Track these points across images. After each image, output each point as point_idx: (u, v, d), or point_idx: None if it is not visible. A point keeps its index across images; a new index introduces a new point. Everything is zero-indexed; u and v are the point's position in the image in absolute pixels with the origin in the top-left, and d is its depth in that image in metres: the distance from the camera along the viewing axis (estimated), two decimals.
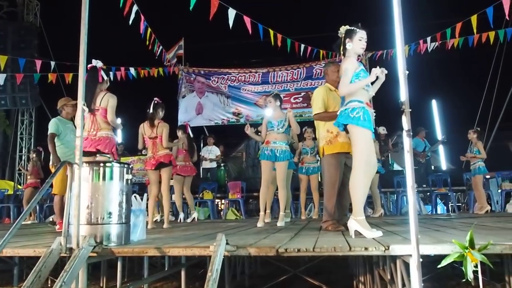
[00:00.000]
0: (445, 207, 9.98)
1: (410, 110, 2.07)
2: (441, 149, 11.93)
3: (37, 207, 8.96)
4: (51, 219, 5.91)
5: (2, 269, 4.50)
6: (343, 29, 3.31)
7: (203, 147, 10.59)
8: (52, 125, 5.41)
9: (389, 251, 2.22)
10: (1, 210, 9.73)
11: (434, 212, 8.73)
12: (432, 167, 10.30)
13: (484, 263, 1.97)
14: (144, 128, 5.56)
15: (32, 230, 5.37)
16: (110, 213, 2.70)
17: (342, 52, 3.32)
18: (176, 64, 12.45)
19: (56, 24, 13.44)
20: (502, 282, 3.69)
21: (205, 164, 10.26)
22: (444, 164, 12.32)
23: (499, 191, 8.44)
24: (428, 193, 9.09)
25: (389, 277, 3.06)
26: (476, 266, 1.94)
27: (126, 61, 11.53)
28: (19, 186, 12.20)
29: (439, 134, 12.69)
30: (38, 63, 9.96)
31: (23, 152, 13.63)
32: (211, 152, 10.19)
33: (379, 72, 3.12)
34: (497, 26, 8.81)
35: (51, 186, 5.20)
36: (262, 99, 11.89)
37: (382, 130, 8.69)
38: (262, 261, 5.64)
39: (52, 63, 10.24)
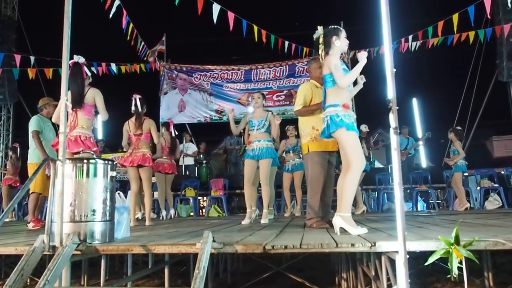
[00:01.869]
0: (425, 204, 10.16)
1: (398, 107, 2.09)
2: (421, 147, 12.14)
3: (16, 205, 8.77)
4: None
5: None
6: (321, 29, 3.35)
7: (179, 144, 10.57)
8: (35, 122, 5.42)
9: (375, 247, 2.24)
10: None
11: (414, 209, 8.87)
12: (414, 165, 10.47)
13: (470, 259, 2.01)
14: (129, 125, 5.49)
15: (11, 228, 5.26)
16: (94, 211, 2.65)
17: (325, 51, 3.35)
18: (158, 60, 12.30)
19: (34, 19, 13.14)
20: (481, 277, 3.78)
21: (183, 161, 10.23)
22: (424, 162, 12.53)
23: (478, 188, 8.63)
24: (409, 191, 9.24)
25: (373, 273, 3.09)
26: (460, 263, 1.98)
27: (107, 57, 11.38)
28: None
29: (420, 133, 12.91)
30: (18, 58, 9.73)
31: (1, 148, 13.31)
32: (188, 149, 10.21)
33: (366, 54, 3.23)
34: (478, 25, 9.00)
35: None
36: (245, 96, 11.87)
37: (364, 128, 8.79)
38: (244, 258, 5.64)
39: (32, 58, 10.01)
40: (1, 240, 3.04)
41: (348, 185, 3.06)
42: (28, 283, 4.03)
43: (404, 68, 11.70)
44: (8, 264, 4.55)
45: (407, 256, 2.01)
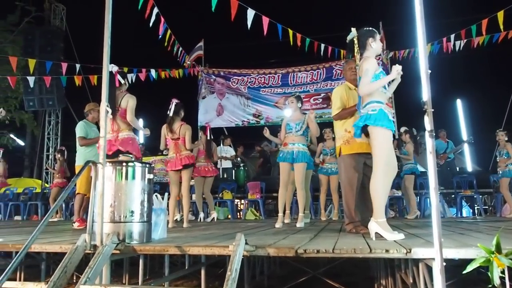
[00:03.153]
0: (471, 210, 9.75)
1: (433, 110, 2.03)
2: (466, 150, 11.67)
3: (63, 205, 9.19)
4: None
5: (30, 265, 4.63)
6: (355, 31, 3.29)
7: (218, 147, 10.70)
8: (81, 128, 5.71)
9: (411, 254, 2.18)
10: (30, 207, 10.01)
11: (459, 215, 8.54)
12: (457, 169, 10.09)
13: None
14: (167, 129, 5.63)
15: (58, 227, 5.51)
16: (132, 212, 2.75)
17: (360, 53, 3.29)
18: (196, 65, 12.53)
19: (80, 28, 13.73)
20: None
21: (220, 164, 10.36)
22: (469, 166, 12.04)
23: None
24: (453, 195, 8.90)
25: (411, 280, 3.01)
26: (503, 272, 1.89)
27: (147, 63, 11.72)
28: (46, 185, 12.51)
29: (464, 135, 12.43)
30: (64, 65, 10.21)
31: (50, 151, 13.97)
32: (227, 152, 10.32)
33: (400, 69, 3.11)
34: None
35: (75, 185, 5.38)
36: (282, 99, 11.88)
37: (403, 130, 8.55)
38: (281, 262, 5.62)
39: (77, 66, 10.47)
40: (47, 239, 3.20)
41: (374, 189, 3.01)
42: (74, 280, 4.22)
43: (447, 68, 11.34)
44: (56, 261, 4.77)
45: (444, 264, 1.95)
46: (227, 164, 10.38)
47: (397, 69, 3.10)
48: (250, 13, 6.46)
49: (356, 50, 3.27)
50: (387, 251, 2.23)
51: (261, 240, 2.90)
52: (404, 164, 7.69)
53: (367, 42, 3.24)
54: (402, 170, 7.66)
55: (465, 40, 9.25)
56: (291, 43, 8.40)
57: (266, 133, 5.40)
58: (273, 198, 9.61)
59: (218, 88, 12.55)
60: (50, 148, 14.02)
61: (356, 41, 3.27)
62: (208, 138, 7.28)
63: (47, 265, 4.56)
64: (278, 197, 5.32)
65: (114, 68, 4.49)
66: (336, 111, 4.09)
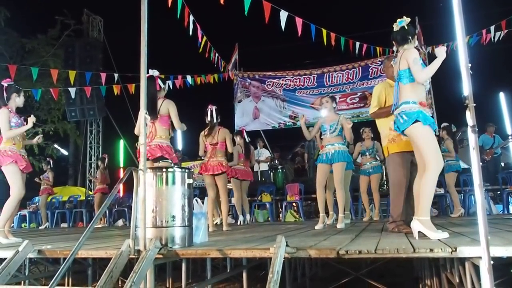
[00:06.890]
0: None
1: (475, 104, 1.97)
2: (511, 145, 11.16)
3: (107, 212, 9.49)
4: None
5: (77, 270, 4.81)
6: (406, 19, 3.20)
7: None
8: None
9: (456, 253, 2.12)
10: (75, 214, 10.41)
11: (506, 212, 8.18)
12: (503, 164, 9.67)
13: None
14: (205, 135, 5.70)
15: (102, 233, 5.70)
16: (173, 217, 2.80)
17: (409, 40, 3.19)
18: (231, 69, 12.67)
19: (117, 38, 14.14)
20: None
21: (258, 167, 10.40)
22: None
23: None
24: (499, 192, 8.53)
25: (457, 280, 2.92)
26: None
27: (183, 69, 11.92)
28: (90, 192, 12.95)
29: (509, 128, 11.90)
30: (103, 75, 10.55)
31: (93, 160, 14.45)
32: (262, 154, 10.37)
33: (445, 49, 3.05)
34: None
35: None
36: (318, 100, 11.80)
37: (442, 126, 8.29)
38: (322, 264, 5.58)
39: (116, 75, 10.79)
40: (93, 244, 3.32)
41: (425, 187, 2.92)
42: (120, 285, 4.35)
43: (487, 61, 10.88)
44: (102, 267, 4.93)
45: (492, 262, 1.88)
46: (264, 166, 10.43)
47: (444, 49, 3.03)
48: (283, 15, 6.42)
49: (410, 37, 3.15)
50: (431, 250, 2.18)
51: (302, 241, 2.89)
52: (445, 161, 7.45)
53: (410, 36, 3.16)
54: (444, 168, 7.44)
55: (505, 31, 8.86)
56: (325, 43, 8.29)
57: (302, 119, 5.39)
58: (312, 200, 9.55)
59: (253, 92, 12.62)
60: (93, 157, 14.50)
61: (406, 29, 3.16)
62: (246, 140, 7.34)
63: (93, 270, 4.72)
64: (316, 198, 5.28)
65: (156, 73, 4.59)
66: (373, 109, 4.05)
